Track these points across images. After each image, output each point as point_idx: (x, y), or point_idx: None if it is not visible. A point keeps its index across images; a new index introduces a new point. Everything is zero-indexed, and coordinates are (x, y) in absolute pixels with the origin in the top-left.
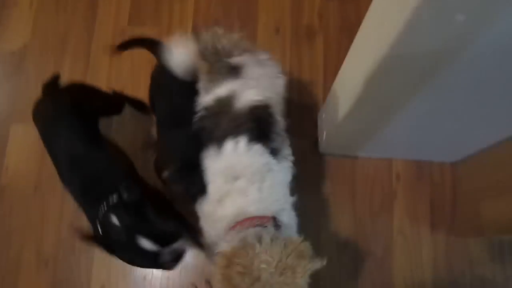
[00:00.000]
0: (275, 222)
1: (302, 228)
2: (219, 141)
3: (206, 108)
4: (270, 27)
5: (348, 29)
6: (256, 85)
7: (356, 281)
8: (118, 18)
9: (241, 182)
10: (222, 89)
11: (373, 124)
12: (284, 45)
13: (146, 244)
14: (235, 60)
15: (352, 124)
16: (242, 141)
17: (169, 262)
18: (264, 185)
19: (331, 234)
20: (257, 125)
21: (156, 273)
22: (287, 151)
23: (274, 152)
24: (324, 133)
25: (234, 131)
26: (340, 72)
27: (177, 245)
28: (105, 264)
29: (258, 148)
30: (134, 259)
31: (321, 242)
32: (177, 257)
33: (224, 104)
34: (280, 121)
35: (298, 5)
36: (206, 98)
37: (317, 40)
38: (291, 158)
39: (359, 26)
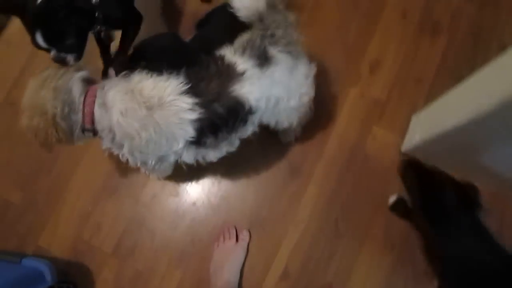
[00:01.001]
0: None
1: None
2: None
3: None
4: (398, 9)
5: (477, 37)
6: (264, 87)
7: None
8: None
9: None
10: (239, 62)
11: (475, 150)
12: (406, 32)
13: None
14: (274, 52)
15: (451, 142)
16: (185, 104)
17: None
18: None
19: None
20: (222, 116)
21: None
22: (212, 153)
23: (194, 143)
24: (417, 136)
25: (205, 94)
26: (461, 87)
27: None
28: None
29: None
30: None
31: None
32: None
33: (224, 73)
34: (245, 129)
35: None
36: (227, 52)
37: (441, 39)
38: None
39: (490, 37)
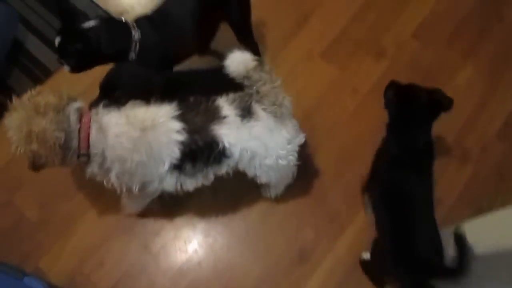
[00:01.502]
0: None
1: None
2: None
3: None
4: None
5: (502, 176)
6: (240, 136)
7: None
8: None
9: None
10: (225, 108)
11: None
12: None
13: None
14: (257, 109)
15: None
16: (175, 126)
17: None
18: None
19: None
20: (200, 147)
21: None
22: (189, 181)
23: (177, 167)
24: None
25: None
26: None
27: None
28: None
29: (172, 141)
30: None
31: None
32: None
33: (210, 113)
34: (219, 168)
35: (472, 124)
36: (221, 98)
37: (468, 167)
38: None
39: None
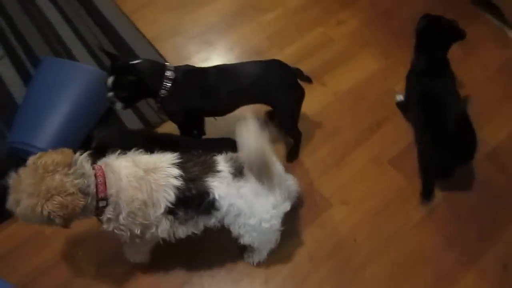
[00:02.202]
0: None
1: None
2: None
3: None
4: (498, 261)
5: None
6: (229, 191)
7: None
8: None
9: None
10: (221, 164)
11: None
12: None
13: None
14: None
15: None
16: (174, 172)
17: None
18: None
19: None
20: (193, 195)
21: None
22: (181, 229)
23: (171, 212)
24: None
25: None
26: None
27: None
28: None
29: (168, 183)
30: None
31: None
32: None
33: (207, 165)
34: (208, 218)
35: None
36: (220, 156)
37: None
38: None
39: None
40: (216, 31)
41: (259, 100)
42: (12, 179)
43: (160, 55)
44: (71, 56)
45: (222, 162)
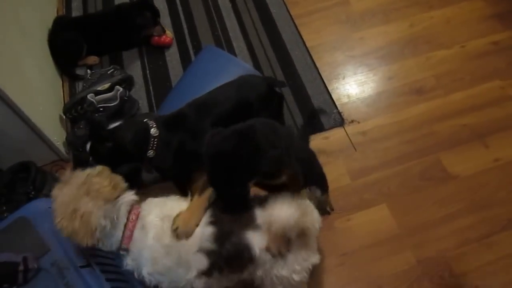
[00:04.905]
0: None
1: None
2: None
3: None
4: None
5: None
6: None
7: None
8: None
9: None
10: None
11: None
12: None
13: None
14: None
15: None
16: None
17: None
18: None
19: None
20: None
21: None
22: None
23: (205, 273)
24: None
25: None
26: None
27: None
28: None
29: None
30: None
31: None
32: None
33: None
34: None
35: None
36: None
37: None
38: None
39: None
40: (380, 56)
41: (243, 119)
42: (65, 176)
43: (315, 67)
44: (230, 47)
45: (259, 214)
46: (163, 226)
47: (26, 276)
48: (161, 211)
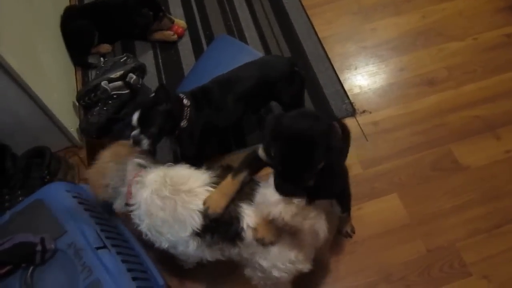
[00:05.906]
0: None
1: None
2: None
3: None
4: None
5: None
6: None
7: None
8: None
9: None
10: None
11: None
12: None
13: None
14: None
15: None
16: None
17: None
18: None
19: None
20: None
21: None
22: (208, 251)
23: (198, 234)
24: None
25: None
26: None
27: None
28: None
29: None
30: None
31: None
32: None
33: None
34: (233, 249)
35: None
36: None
37: None
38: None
39: None
40: (392, 47)
41: (265, 98)
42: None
43: (327, 57)
44: (242, 37)
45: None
46: (162, 182)
47: (44, 256)
48: (165, 173)
